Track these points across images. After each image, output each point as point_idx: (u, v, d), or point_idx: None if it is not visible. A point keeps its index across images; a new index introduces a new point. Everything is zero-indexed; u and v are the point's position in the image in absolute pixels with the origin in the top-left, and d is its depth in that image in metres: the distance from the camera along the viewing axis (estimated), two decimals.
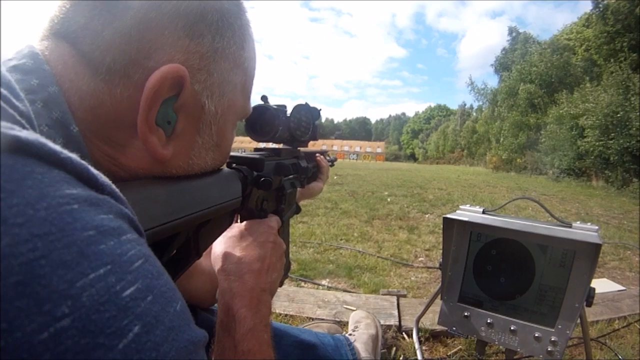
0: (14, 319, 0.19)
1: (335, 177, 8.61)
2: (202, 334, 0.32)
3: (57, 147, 0.26)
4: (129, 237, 0.28)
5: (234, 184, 0.56)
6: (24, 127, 0.28)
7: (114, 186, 0.29)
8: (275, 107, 0.73)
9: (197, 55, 0.42)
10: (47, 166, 0.25)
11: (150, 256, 0.29)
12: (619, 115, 12.70)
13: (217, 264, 0.60)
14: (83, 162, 0.27)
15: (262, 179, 0.61)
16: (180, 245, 0.48)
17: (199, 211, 0.46)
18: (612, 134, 12.93)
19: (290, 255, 2.83)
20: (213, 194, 0.50)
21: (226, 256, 0.60)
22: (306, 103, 0.84)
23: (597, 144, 13.40)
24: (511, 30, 27.67)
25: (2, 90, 0.29)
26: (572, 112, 15.70)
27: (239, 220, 0.66)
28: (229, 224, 0.62)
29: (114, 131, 0.39)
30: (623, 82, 13.45)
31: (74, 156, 0.27)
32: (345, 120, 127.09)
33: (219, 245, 0.62)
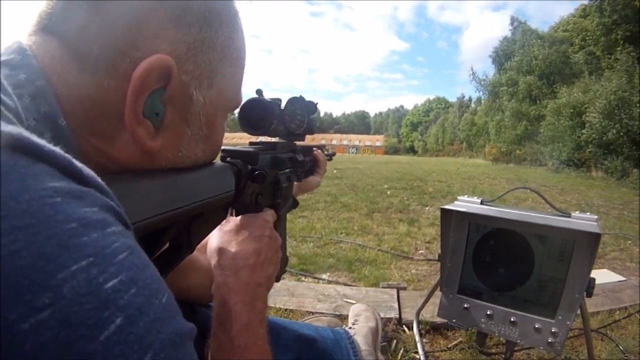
0: None
1: (335, 171, 8.60)
2: (190, 326, 0.32)
3: (40, 141, 0.26)
4: (113, 230, 0.27)
5: (227, 177, 0.56)
6: (10, 122, 0.28)
7: (98, 179, 0.29)
8: (269, 100, 0.72)
9: (184, 45, 0.41)
10: (30, 159, 0.25)
11: (135, 248, 0.29)
12: (621, 99, 12.72)
13: (212, 259, 0.60)
14: (67, 155, 0.27)
15: (257, 172, 0.60)
16: (172, 239, 0.48)
17: (191, 204, 0.46)
18: (613, 122, 12.95)
19: (291, 250, 2.82)
20: (205, 187, 0.49)
21: (221, 251, 0.59)
22: (301, 96, 0.83)
23: (598, 130, 13.41)
24: (513, 20, 27.59)
25: None
26: (573, 100, 15.72)
27: (234, 215, 0.66)
28: (223, 218, 0.61)
29: (102, 123, 0.39)
30: (626, 71, 13.41)
31: (57, 149, 0.27)
32: (344, 114, 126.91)
33: (215, 240, 0.61)
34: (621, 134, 12.62)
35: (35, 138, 0.25)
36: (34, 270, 0.21)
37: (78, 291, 0.23)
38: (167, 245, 0.48)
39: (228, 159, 0.59)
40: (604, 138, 13.27)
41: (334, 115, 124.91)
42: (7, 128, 0.24)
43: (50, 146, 0.26)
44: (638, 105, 12.14)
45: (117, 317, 0.24)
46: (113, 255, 0.26)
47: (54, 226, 0.23)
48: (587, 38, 19.72)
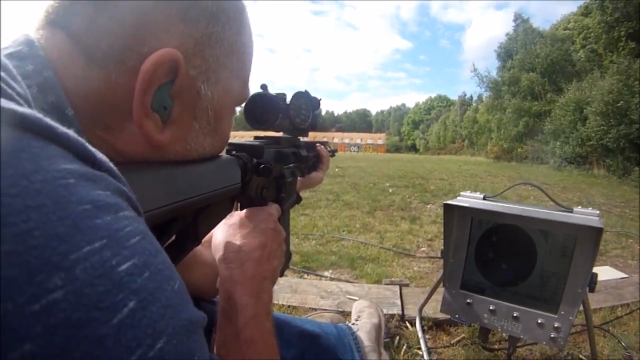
0: (5, 289, 0.19)
1: (337, 170, 8.57)
2: (202, 315, 0.32)
3: (53, 123, 0.26)
4: (126, 214, 0.27)
5: (234, 170, 0.56)
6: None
7: (111, 164, 0.29)
8: (274, 94, 0.73)
9: (191, 40, 0.41)
10: (43, 141, 0.24)
11: (148, 234, 0.29)
12: (619, 103, 12.68)
13: (217, 253, 0.60)
14: (80, 138, 0.27)
15: (262, 166, 0.60)
16: (179, 231, 0.48)
17: (197, 196, 0.46)
18: (613, 121, 12.92)
19: (293, 247, 2.82)
20: (212, 179, 0.50)
21: (226, 244, 0.59)
22: (306, 91, 0.83)
23: (599, 129, 13.38)
24: (517, 17, 27.53)
25: (1, 73, 0.29)
26: (575, 98, 15.70)
27: (239, 208, 0.66)
28: (229, 211, 0.62)
29: (110, 117, 0.39)
30: (625, 70, 13.37)
31: (70, 132, 0.27)
32: (345, 113, 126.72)
33: (219, 234, 0.62)
34: (621, 135, 12.60)
35: (48, 120, 0.25)
36: (46, 250, 0.21)
37: (91, 273, 0.22)
38: (173, 237, 0.49)
39: (234, 152, 0.59)
40: (604, 140, 13.23)
41: (336, 114, 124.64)
42: (21, 109, 0.24)
43: (64, 129, 0.26)
44: (638, 105, 12.12)
45: (131, 300, 0.24)
46: (126, 238, 0.26)
47: (68, 207, 0.23)
48: (588, 36, 19.70)
